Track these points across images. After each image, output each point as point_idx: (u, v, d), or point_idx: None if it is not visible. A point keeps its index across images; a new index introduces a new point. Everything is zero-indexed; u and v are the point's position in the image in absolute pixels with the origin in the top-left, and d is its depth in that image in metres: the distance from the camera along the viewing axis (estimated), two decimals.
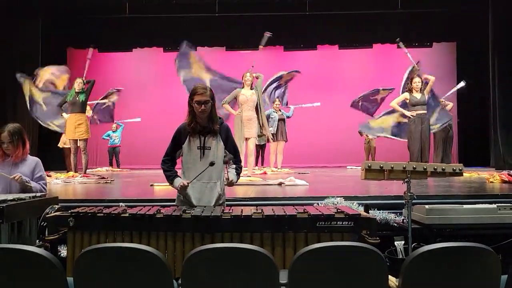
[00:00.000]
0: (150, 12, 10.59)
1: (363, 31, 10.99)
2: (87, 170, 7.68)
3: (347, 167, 10.70)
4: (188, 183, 2.98)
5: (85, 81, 7.57)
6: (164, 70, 12.84)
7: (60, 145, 9.57)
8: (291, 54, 12.39)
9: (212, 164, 2.92)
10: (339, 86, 12.61)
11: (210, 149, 3.04)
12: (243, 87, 6.99)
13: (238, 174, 3.15)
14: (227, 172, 3.09)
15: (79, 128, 7.30)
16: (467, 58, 11.61)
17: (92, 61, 12.35)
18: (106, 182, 6.78)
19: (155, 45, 11.60)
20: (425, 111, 7.23)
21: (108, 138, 11.72)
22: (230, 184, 3.04)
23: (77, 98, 7.35)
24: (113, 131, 11.76)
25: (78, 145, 7.39)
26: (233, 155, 3.12)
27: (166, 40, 11.34)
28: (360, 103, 9.61)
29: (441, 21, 10.97)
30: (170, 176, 3.09)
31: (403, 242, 3.46)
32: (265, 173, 8.30)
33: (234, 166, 3.15)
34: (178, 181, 3.05)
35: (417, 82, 7.28)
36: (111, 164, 11.62)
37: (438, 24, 11.01)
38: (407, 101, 7.32)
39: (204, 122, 3.02)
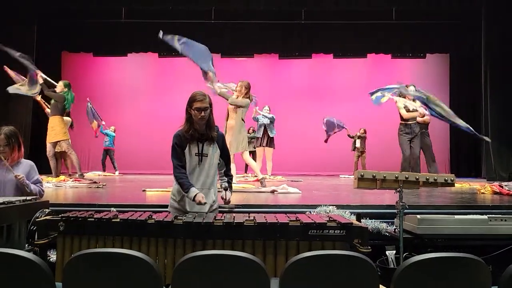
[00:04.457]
0: (146, 17, 10.59)
1: (357, 41, 11.09)
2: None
3: (340, 175, 10.74)
4: (205, 203, 2.92)
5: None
6: (159, 75, 12.85)
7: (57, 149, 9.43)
8: (286, 62, 12.46)
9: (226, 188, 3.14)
10: (333, 94, 12.68)
11: (207, 156, 3.06)
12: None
13: (231, 187, 3.24)
14: (222, 189, 3.15)
15: (52, 131, 7.40)
16: (460, 70, 11.74)
17: (87, 65, 12.42)
18: (97, 187, 6.73)
19: (150, 51, 11.61)
20: (415, 121, 7.28)
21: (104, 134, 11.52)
22: (229, 202, 3.15)
23: (53, 101, 7.43)
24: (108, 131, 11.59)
25: (60, 148, 7.44)
26: (225, 163, 3.21)
27: (161, 45, 11.32)
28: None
29: (434, 33, 11.10)
30: (186, 184, 2.97)
31: (394, 251, 3.46)
32: (258, 180, 8.28)
33: (225, 179, 3.21)
34: (195, 192, 2.92)
35: (410, 90, 7.27)
36: (103, 164, 11.48)
37: (431, 35, 11.15)
38: (400, 106, 7.32)
39: (202, 129, 3.04)
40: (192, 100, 3.02)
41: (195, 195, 2.91)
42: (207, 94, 3.07)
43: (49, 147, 7.51)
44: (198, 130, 3.03)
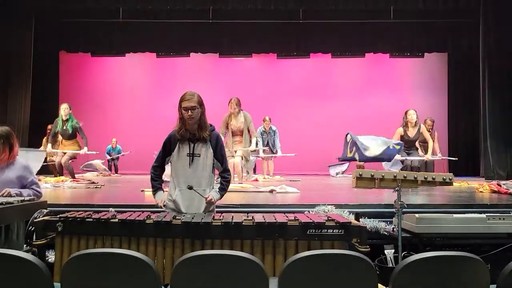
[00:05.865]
0: (144, 17, 10.58)
1: (356, 41, 11.09)
2: (75, 175, 7.66)
3: (336, 173, 10.73)
4: (162, 206, 3.04)
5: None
6: (157, 75, 12.83)
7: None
8: (284, 61, 12.45)
9: (190, 187, 2.95)
10: (331, 93, 12.68)
11: (199, 156, 3.03)
12: (230, 115, 6.56)
13: (223, 189, 3.11)
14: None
15: (74, 144, 7.60)
16: (458, 69, 11.75)
17: (85, 65, 12.39)
18: (96, 187, 6.72)
19: (148, 50, 11.59)
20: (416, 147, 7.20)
21: (108, 155, 11.71)
22: (209, 203, 3.00)
23: (65, 127, 7.42)
24: (113, 148, 11.78)
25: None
26: (221, 164, 3.11)
27: (159, 45, 11.34)
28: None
29: (433, 32, 11.10)
30: (155, 187, 3.13)
31: (393, 250, 3.47)
32: (256, 180, 8.28)
33: (219, 180, 3.16)
34: (159, 196, 3.10)
35: (411, 114, 6.97)
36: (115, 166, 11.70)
37: (430, 35, 11.15)
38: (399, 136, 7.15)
39: (193, 129, 3.01)
40: (180, 100, 3.02)
41: (159, 199, 3.08)
42: (196, 93, 3.04)
43: (71, 155, 7.52)
44: (190, 130, 3.01)
